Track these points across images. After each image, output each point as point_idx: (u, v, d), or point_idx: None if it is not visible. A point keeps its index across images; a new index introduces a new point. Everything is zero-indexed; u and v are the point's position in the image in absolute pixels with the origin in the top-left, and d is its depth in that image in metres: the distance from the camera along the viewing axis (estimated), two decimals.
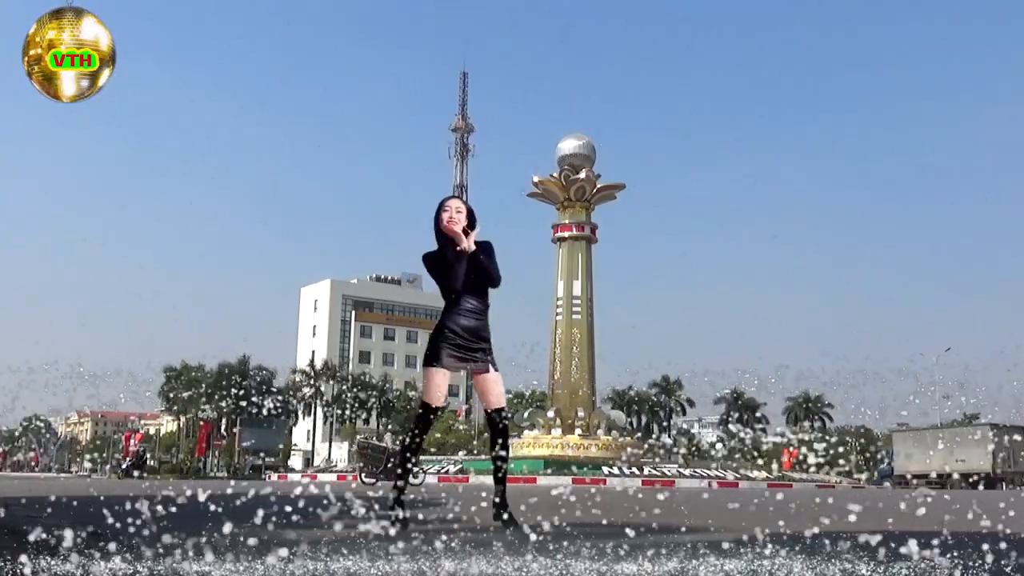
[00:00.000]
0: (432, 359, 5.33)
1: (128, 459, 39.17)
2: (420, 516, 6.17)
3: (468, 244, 5.28)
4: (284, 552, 3.11)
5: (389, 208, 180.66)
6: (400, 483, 5.22)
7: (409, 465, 5.40)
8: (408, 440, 5.35)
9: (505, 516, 5.04)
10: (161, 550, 3.17)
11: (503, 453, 5.28)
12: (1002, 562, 3.35)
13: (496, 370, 5.40)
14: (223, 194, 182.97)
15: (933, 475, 45.39)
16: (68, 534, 3.23)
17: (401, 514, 4.91)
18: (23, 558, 2.93)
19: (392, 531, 4.30)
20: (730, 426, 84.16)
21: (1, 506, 5.69)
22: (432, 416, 5.35)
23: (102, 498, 8.11)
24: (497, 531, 4.70)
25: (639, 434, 74.00)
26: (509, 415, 5.50)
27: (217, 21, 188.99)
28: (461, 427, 76.74)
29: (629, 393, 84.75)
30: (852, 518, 5.85)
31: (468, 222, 5.39)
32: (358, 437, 41.82)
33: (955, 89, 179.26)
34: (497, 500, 5.18)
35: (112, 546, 3.20)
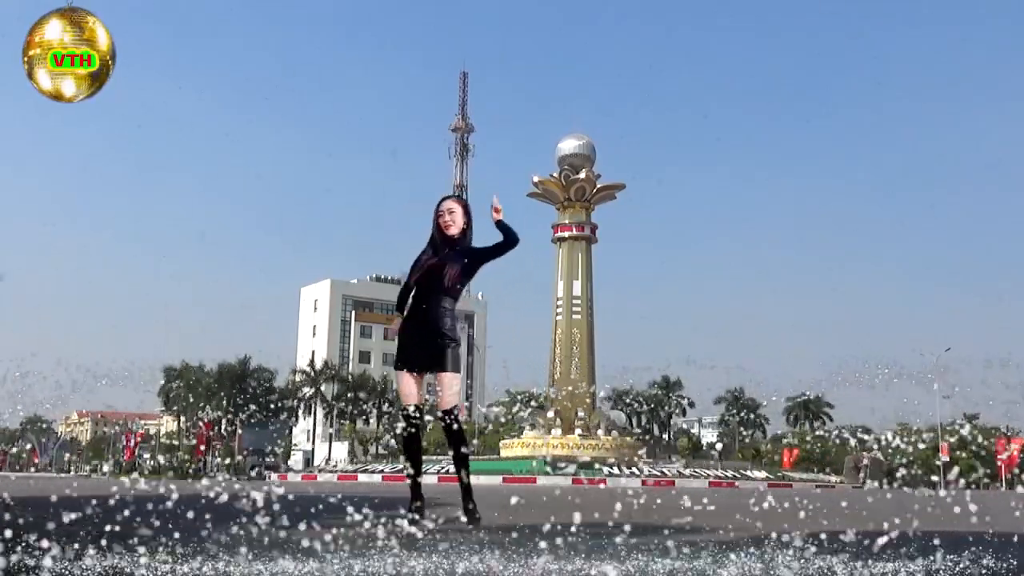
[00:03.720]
0: (396, 362, 5.40)
1: None
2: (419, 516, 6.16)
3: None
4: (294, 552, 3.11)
5: (389, 208, 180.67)
6: (416, 480, 5.27)
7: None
8: (403, 444, 5.37)
9: (470, 508, 5.06)
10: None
11: (463, 454, 5.20)
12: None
13: (455, 371, 5.30)
14: (223, 194, 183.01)
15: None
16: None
17: (416, 507, 5.13)
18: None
19: (410, 526, 4.50)
20: (730, 426, 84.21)
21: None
22: (412, 417, 5.27)
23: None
24: (493, 532, 4.70)
25: (638, 433, 73.98)
26: (460, 417, 5.38)
27: (218, 21, 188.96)
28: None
29: (629, 393, 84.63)
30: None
31: (465, 219, 5.41)
32: (858, 452, 42.35)
33: (956, 89, 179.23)
34: (469, 507, 5.10)
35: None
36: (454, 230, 5.36)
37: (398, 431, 5.35)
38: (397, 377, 5.41)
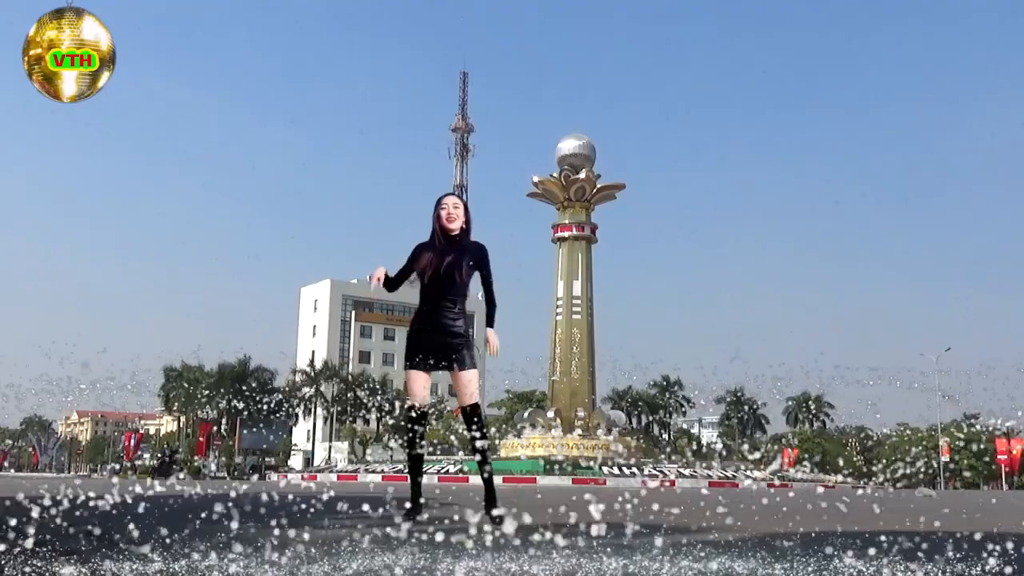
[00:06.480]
0: (407, 361, 5.36)
1: None
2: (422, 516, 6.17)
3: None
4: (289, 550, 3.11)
5: (389, 208, 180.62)
6: (416, 479, 5.32)
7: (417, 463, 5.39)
8: (406, 442, 5.34)
9: (495, 514, 4.99)
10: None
11: (482, 446, 5.19)
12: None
13: (473, 367, 5.35)
14: (223, 194, 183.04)
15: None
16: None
17: (409, 507, 5.15)
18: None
19: (403, 523, 4.50)
20: (729, 426, 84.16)
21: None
22: (417, 415, 5.28)
23: None
24: (489, 530, 4.70)
25: (640, 434, 73.95)
26: (483, 416, 5.42)
27: (218, 21, 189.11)
28: (462, 428, 76.50)
29: (629, 393, 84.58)
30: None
31: (466, 217, 5.42)
32: None
33: (956, 89, 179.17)
34: (486, 499, 5.16)
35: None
36: (456, 224, 5.34)
37: (404, 431, 5.31)
38: (408, 376, 5.35)
